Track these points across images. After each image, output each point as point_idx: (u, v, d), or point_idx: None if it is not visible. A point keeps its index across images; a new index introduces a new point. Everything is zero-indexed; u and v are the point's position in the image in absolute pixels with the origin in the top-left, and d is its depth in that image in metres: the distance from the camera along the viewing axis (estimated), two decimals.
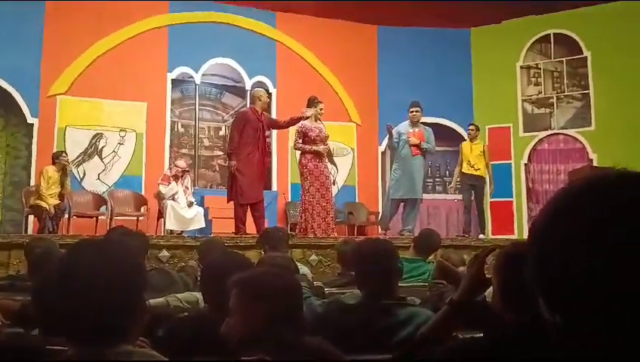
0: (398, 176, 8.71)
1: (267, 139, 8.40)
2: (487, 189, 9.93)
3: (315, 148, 7.81)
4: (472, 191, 9.61)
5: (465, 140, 10.04)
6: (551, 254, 0.74)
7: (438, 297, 3.17)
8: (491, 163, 9.82)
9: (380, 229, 9.58)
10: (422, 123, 8.94)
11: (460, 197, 10.15)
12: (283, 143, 10.84)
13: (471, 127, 9.84)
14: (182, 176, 9.22)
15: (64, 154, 8.85)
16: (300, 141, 7.88)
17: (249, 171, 7.67)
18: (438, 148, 9.43)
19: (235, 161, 7.66)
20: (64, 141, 9.97)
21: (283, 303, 1.92)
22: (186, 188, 9.24)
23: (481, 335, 1.93)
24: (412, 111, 8.79)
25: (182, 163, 9.40)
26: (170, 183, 9.05)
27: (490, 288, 2.19)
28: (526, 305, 1.84)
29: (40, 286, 1.40)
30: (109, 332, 1.35)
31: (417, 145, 8.66)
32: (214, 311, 2.51)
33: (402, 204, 8.79)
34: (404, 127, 8.81)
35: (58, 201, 8.44)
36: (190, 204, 9.04)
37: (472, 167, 9.53)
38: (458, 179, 9.70)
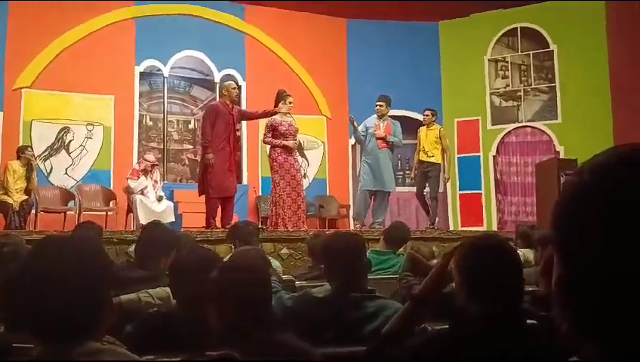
0: (366, 170, 8.77)
1: (237, 133, 8.33)
2: (442, 177, 9.51)
3: (284, 142, 7.81)
4: (426, 180, 9.25)
5: (423, 126, 9.50)
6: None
7: (408, 289, 3.20)
8: (463, 154, 9.68)
9: (354, 223, 9.51)
10: (390, 116, 8.98)
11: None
12: (253, 137, 10.80)
13: (427, 112, 9.39)
14: (151, 171, 9.14)
15: (29, 149, 8.71)
16: (270, 135, 7.88)
17: (221, 165, 7.62)
18: (407, 141, 9.45)
19: (212, 153, 7.59)
20: (30, 135, 9.80)
21: (251, 298, 1.92)
22: (155, 182, 9.17)
23: (447, 327, 1.95)
24: (376, 105, 8.83)
25: (151, 157, 9.31)
26: (139, 178, 8.96)
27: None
28: (488, 297, 1.87)
29: (5, 283, 1.38)
30: (75, 329, 1.33)
31: (383, 138, 8.70)
32: (182, 306, 2.51)
33: (372, 196, 8.84)
34: (371, 120, 8.85)
35: (25, 197, 8.30)
36: (160, 199, 8.97)
37: (426, 153, 9.20)
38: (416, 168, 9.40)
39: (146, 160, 9.18)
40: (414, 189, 9.61)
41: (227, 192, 7.76)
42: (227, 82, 8.52)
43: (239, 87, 10.47)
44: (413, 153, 9.79)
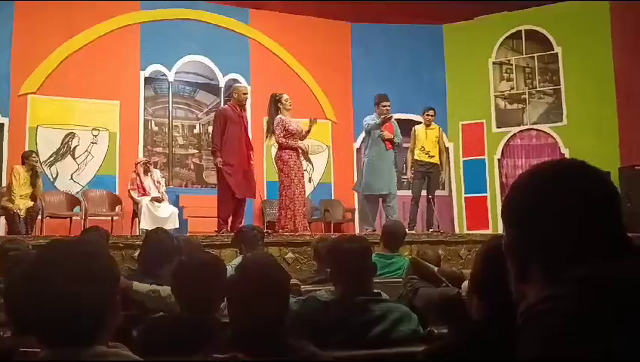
0: (374, 172, 8.56)
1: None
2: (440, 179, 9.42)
3: (295, 143, 7.72)
4: (425, 181, 9.10)
5: (420, 125, 9.37)
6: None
7: (413, 293, 3.19)
8: (468, 157, 9.55)
9: (359, 227, 9.39)
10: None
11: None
12: (257, 140, 10.78)
13: (430, 112, 9.20)
14: (148, 170, 9.09)
15: (34, 155, 8.68)
16: (282, 136, 7.71)
17: (239, 166, 7.63)
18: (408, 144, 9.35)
19: (220, 157, 7.57)
20: (36, 141, 9.84)
21: (269, 302, 1.93)
22: (158, 182, 9.14)
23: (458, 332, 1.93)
24: (385, 105, 8.59)
25: (140, 157, 9.31)
26: (139, 187, 8.93)
27: (465, 283, 2.20)
28: (497, 302, 1.85)
29: (11, 287, 1.38)
30: (81, 333, 1.34)
31: (391, 140, 8.60)
32: (186, 310, 2.51)
33: (380, 199, 8.72)
34: (373, 120, 8.64)
35: (31, 203, 8.26)
36: (158, 200, 8.82)
37: (427, 153, 9.01)
38: (412, 169, 9.21)
39: (137, 162, 9.18)
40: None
41: (247, 193, 7.74)
42: (239, 86, 8.49)
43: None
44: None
